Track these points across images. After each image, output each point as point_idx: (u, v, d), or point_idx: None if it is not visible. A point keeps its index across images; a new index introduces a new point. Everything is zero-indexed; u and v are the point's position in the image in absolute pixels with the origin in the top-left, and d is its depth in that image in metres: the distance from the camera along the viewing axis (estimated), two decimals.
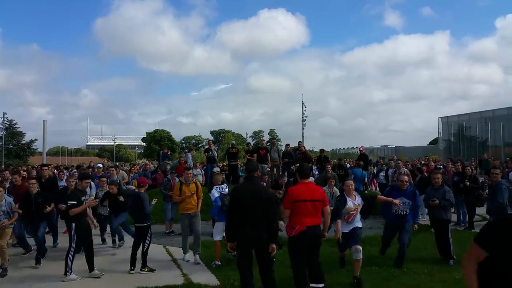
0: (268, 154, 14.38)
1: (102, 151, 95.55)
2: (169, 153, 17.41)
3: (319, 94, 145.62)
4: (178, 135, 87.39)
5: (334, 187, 9.32)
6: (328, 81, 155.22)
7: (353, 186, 6.28)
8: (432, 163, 14.99)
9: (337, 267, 6.60)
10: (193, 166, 16.76)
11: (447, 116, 45.02)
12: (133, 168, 15.29)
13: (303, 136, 43.58)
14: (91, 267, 6.54)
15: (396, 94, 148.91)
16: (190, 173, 7.51)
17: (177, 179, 10.65)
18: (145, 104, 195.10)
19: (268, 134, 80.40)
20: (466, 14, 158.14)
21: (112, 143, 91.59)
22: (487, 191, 8.49)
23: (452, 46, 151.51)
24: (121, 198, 8.21)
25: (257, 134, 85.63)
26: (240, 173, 15.30)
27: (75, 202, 6.46)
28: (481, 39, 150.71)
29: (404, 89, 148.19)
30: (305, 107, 44.91)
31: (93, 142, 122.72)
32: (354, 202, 6.02)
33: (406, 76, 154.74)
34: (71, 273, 6.35)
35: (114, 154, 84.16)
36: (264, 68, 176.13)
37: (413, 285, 5.78)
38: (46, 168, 10.20)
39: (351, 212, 5.98)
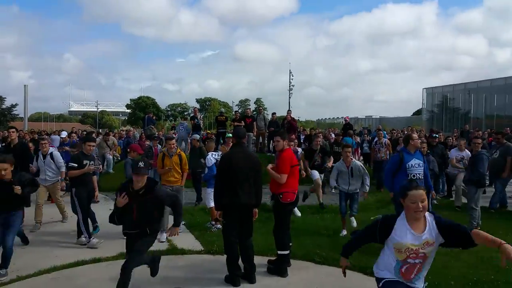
0: (254, 123, 14.40)
1: (85, 118, 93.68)
2: (154, 118, 17.02)
3: (306, 63, 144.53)
4: (163, 103, 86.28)
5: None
6: (315, 50, 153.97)
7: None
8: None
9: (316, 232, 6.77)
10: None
11: (432, 87, 45.29)
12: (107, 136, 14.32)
13: (289, 105, 43.57)
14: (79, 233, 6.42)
15: (383, 64, 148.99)
16: (173, 144, 6.92)
17: (159, 147, 10.56)
18: (129, 70, 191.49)
19: (255, 103, 79.83)
20: None
21: (95, 110, 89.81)
22: (466, 161, 8.65)
23: (439, 17, 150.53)
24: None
25: (243, 103, 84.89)
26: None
27: (76, 165, 6.31)
28: (468, 10, 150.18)
29: (391, 59, 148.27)
30: (292, 76, 44.63)
31: (75, 108, 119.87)
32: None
33: (393, 46, 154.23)
34: (90, 239, 6.27)
35: (97, 120, 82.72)
36: (252, 35, 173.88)
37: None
38: (13, 131, 7.99)
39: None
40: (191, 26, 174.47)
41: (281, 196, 5.05)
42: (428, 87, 45.75)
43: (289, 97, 44.65)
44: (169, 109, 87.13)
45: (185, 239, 6.56)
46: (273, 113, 15.55)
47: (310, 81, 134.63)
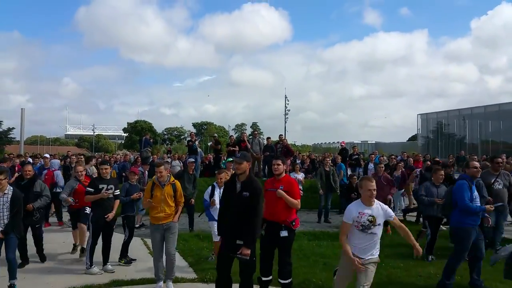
0: (249, 147, 14.36)
1: (81, 141, 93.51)
2: (151, 140, 16.61)
3: (301, 88, 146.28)
4: (160, 127, 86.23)
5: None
6: (309, 76, 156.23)
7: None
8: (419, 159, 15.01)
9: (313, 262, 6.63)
10: (174, 157, 16.54)
11: (426, 113, 45.80)
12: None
13: (285, 130, 43.81)
14: (105, 260, 6.29)
15: (376, 90, 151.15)
16: (163, 172, 5.53)
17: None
18: (127, 95, 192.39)
19: (251, 127, 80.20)
20: (443, 15, 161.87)
21: (92, 133, 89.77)
22: None
23: (430, 45, 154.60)
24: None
25: (239, 127, 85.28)
26: (222, 165, 15.24)
27: (92, 190, 6.24)
28: (457, 39, 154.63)
29: (383, 86, 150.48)
30: (288, 100, 45.03)
31: (72, 131, 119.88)
32: None
33: (385, 73, 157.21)
34: (91, 266, 6.10)
35: (94, 144, 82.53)
36: (247, 62, 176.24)
37: (390, 277, 5.86)
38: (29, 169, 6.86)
39: None
40: (188, 52, 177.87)
41: (293, 223, 4.95)
42: (423, 113, 46.31)
43: (285, 122, 44.98)
44: (165, 132, 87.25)
45: (178, 267, 6.38)
46: (268, 138, 15.54)
47: (305, 106, 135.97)
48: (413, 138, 54.82)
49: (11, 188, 5.34)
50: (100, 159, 8.75)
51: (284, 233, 4.83)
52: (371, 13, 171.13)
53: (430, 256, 6.89)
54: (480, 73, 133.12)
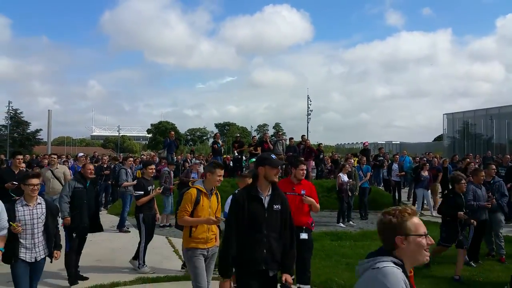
0: (271, 148, 14.41)
1: (107, 142, 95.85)
2: (176, 140, 15.20)
3: (323, 89, 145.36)
4: (183, 127, 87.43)
5: None
6: (331, 77, 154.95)
7: None
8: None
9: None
10: (198, 158, 16.63)
11: (452, 113, 44.63)
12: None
13: (307, 130, 43.51)
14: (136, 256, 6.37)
15: (399, 90, 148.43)
16: (221, 175, 4.21)
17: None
18: (151, 96, 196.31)
19: (273, 128, 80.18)
20: (467, 14, 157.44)
21: (117, 134, 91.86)
22: None
23: (454, 44, 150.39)
24: None
25: (262, 128, 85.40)
26: (244, 164, 15.36)
27: (142, 192, 6.32)
28: (482, 38, 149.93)
29: (407, 86, 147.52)
30: (310, 101, 44.78)
31: (97, 132, 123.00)
32: None
33: (408, 73, 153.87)
34: (143, 265, 6.21)
35: (119, 145, 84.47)
36: (268, 63, 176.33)
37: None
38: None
39: None
40: (210, 54, 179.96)
41: (312, 224, 5.00)
42: (449, 112, 45.14)
43: (308, 122, 44.72)
44: (188, 133, 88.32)
45: None
46: (291, 138, 15.54)
47: (327, 107, 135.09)
48: (439, 138, 53.49)
49: (41, 198, 4.22)
50: (146, 160, 8.97)
51: (304, 235, 4.78)
52: (392, 14, 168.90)
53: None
54: (507, 72, 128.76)
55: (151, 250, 7.51)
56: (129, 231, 9.14)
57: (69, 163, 13.64)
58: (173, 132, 15.56)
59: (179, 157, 16.34)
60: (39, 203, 4.11)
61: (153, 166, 6.71)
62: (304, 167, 5.00)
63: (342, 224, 10.07)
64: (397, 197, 12.54)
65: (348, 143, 69.11)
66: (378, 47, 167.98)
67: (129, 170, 9.90)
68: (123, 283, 5.67)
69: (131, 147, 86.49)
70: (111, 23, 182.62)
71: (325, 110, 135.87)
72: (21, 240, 3.96)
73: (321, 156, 15.90)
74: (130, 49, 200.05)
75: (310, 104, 44.71)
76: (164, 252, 7.38)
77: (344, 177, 10.26)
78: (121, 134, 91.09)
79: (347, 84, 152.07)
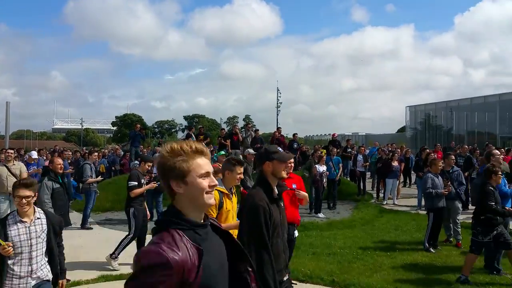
0: (241, 140, 14.37)
1: (69, 135, 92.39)
2: (143, 132, 14.47)
3: (292, 82, 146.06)
4: (150, 120, 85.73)
5: None
6: (300, 70, 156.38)
7: None
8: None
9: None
10: None
11: (415, 105, 46.25)
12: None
13: (277, 122, 43.76)
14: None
15: (365, 83, 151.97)
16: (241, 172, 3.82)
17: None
18: (117, 88, 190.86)
19: (243, 120, 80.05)
20: (428, 10, 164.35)
21: (80, 127, 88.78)
22: None
23: (416, 39, 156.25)
24: None
25: (231, 120, 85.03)
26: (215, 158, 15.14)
27: (136, 183, 6.08)
28: (442, 34, 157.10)
29: (372, 79, 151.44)
30: (280, 93, 44.98)
31: (59, 125, 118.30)
32: None
33: (373, 67, 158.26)
34: (116, 257, 6.01)
35: (82, 138, 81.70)
36: (238, 55, 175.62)
37: (376, 265, 6.03)
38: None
39: None
40: (178, 45, 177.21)
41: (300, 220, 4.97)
42: (411, 105, 46.74)
43: (277, 114, 44.94)
44: (156, 126, 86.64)
45: None
46: (256, 130, 15.53)
47: (297, 99, 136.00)
48: (402, 130, 55.35)
49: (40, 210, 3.30)
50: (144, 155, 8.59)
51: (296, 233, 4.60)
52: (358, 9, 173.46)
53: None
54: (464, 66, 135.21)
55: (114, 246, 7.32)
56: (92, 228, 8.91)
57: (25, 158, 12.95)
58: (138, 125, 14.91)
59: (145, 150, 15.96)
60: (37, 218, 3.16)
61: (151, 163, 6.53)
62: (292, 159, 4.91)
63: (320, 215, 10.15)
64: (361, 187, 12.85)
65: (317, 135, 70.21)
66: (345, 41, 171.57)
67: (93, 165, 9.56)
68: (85, 282, 5.51)
69: (95, 140, 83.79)
70: (75, 12, 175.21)
71: (295, 102, 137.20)
72: (14, 268, 3.02)
73: (295, 146, 15.88)
74: (95, 39, 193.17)
75: (280, 97, 44.94)
76: (129, 249, 7.15)
77: (320, 168, 10.38)
78: (84, 127, 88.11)
79: (315, 77, 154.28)
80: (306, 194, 4.54)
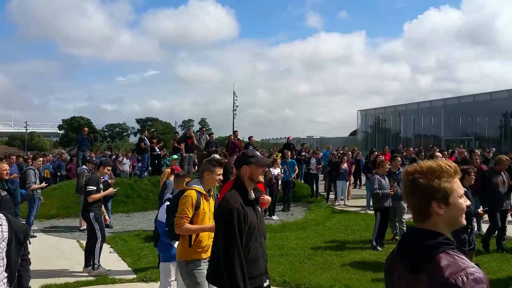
0: (196, 143, 14.21)
1: (12, 139, 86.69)
2: (91, 136, 13.80)
3: (248, 85, 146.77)
4: (100, 123, 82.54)
5: None
6: (256, 73, 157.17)
7: None
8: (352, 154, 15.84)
9: None
10: (122, 156, 15.66)
11: (365, 110, 48.20)
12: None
13: (233, 126, 43.71)
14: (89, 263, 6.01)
15: (319, 87, 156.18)
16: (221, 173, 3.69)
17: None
18: (64, 90, 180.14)
19: (199, 123, 79.28)
20: (379, 17, 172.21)
21: (24, 131, 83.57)
22: None
23: (367, 45, 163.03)
24: None
25: (186, 123, 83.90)
26: (168, 163, 14.82)
27: (95, 188, 5.88)
28: (391, 40, 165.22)
29: (326, 84, 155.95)
30: (236, 97, 45.02)
31: (2, 129, 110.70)
32: None
33: (327, 72, 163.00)
34: (99, 266, 5.89)
35: (26, 142, 76.94)
36: (194, 58, 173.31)
37: (326, 264, 6.15)
38: None
39: None
40: (131, 46, 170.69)
41: None
42: (362, 109, 48.63)
43: (233, 118, 44.92)
44: (106, 129, 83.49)
45: (117, 267, 6.20)
46: (211, 133, 15.55)
47: (253, 102, 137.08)
48: (354, 133, 57.44)
49: (2, 216, 2.60)
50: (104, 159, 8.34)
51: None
52: (312, 15, 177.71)
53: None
54: (412, 73, 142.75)
55: (59, 254, 7.00)
56: (35, 236, 8.39)
57: None
58: (86, 128, 14.18)
59: (93, 155, 15.28)
60: None
61: (110, 167, 6.46)
62: None
63: (274, 217, 10.21)
64: (315, 189, 13.13)
65: (273, 138, 71.17)
66: (300, 46, 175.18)
67: (37, 171, 9.03)
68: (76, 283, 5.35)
69: (40, 144, 79.21)
70: (20, 10, 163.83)
71: (251, 105, 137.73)
72: None
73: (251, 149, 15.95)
74: (41, 39, 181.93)
75: (236, 100, 44.99)
76: (75, 257, 6.85)
77: (274, 171, 10.48)
78: (29, 131, 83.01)
79: (272, 81, 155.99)
80: (270, 198, 4.48)
